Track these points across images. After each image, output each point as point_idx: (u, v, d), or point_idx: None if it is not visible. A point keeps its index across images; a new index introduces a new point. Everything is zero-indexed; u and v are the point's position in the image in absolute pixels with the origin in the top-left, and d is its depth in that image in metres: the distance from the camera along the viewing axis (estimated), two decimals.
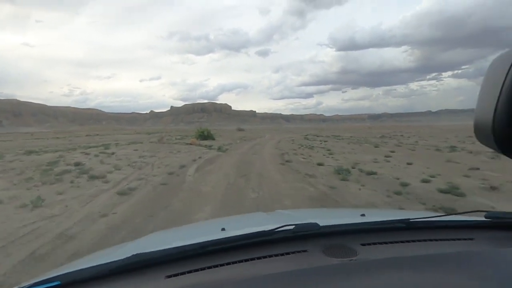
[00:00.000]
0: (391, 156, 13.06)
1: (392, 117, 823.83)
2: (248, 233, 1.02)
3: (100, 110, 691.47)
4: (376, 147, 18.92)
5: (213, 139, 26.83)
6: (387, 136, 32.02)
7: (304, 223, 1.04)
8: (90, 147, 20.39)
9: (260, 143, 24.37)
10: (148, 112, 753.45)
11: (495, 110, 0.50)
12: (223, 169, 10.41)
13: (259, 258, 0.93)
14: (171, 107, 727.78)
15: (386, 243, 1.02)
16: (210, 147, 19.75)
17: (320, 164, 11.02)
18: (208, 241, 0.99)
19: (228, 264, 0.90)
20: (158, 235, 1.87)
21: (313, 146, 20.06)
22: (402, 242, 1.04)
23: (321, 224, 1.04)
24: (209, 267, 0.88)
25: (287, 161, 12.21)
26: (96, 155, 14.43)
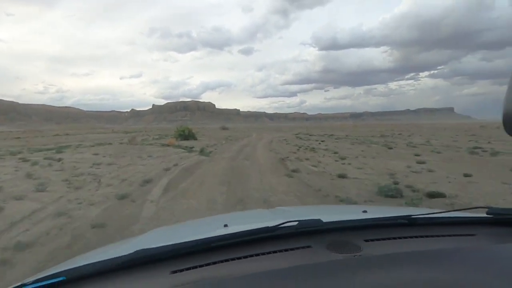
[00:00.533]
0: (425, 162, 10.10)
1: (373, 115, 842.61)
2: (252, 229, 1.02)
3: (78, 109, 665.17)
4: (390, 148, 16.05)
5: (195, 139, 23.55)
6: (387, 135, 29.38)
7: (308, 219, 1.03)
8: (41, 150, 16.44)
9: (249, 143, 21.39)
10: (129, 110, 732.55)
11: None
12: (205, 186, 7.07)
13: (263, 254, 0.93)
14: (153, 105, 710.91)
15: (389, 239, 1.02)
16: (191, 149, 16.22)
17: (342, 177, 7.87)
18: (212, 237, 0.99)
19: (232, 260, 0.90)
20: (161, 231, 1.83)
21: (314, 148, 16.96)
22: (405, 238, 1.04)
23: (324, 220, 1.03)
24: (214, 263, 0.88)
25: (293, 170, 8.98)
26: (34, 163, 10.66)
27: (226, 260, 0.90)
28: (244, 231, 1.02)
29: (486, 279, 0.73)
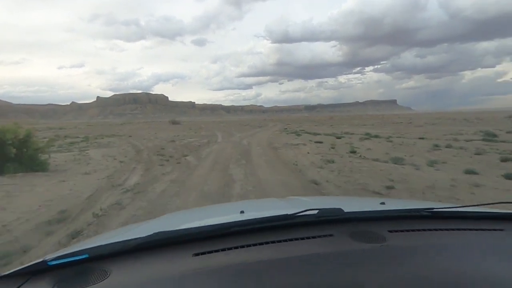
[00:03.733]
0: None
1: (326, 107, 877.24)
2: (272, 216, 1.01)
3: (6, 101, 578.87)
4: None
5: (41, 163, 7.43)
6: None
7: (328, 208, 1.03)
8: None
9: (228, 165, 8.67)
10: (69, 103, 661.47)
11: None
12: None
13: (285, 240, 0.91)
14: (97, 97, 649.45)
15: (413, 230, 1.01)
16: None
17: None
18: (233, 222, 0.99)
19: (254, 245, 0.89)
20: (177, 215, 1.90)
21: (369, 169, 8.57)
22: (429, 230, 1.01)
23: (345, 210, 1.03)
24: (236, 247, 0.87)
25: None
26: None
27: (248, 246, 0.88)
28: (264, 217, 1.00)
29: None
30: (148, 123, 75.75)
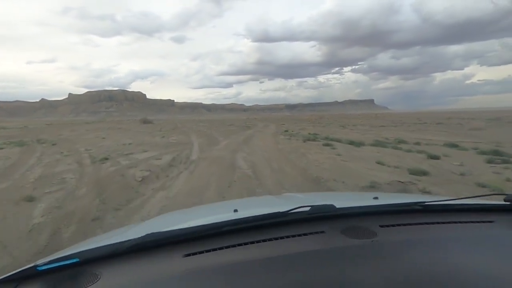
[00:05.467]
0: None
1: (306, 107, 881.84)
2: (264, 214, 0.99)
3: None
4: None
5: None
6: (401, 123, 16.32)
7: (320, 205, 1.02)
8: None
9: None
10: (38, 100, 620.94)
11: None
12: None
13: (275, 238, 0.91)
14: (69, 94, 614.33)
15: (404, 225, 1.01)
16: None
17: None
18: (224, 221, 0.97)
19: (245, 244, 0.88)
20: (171, 215, 1.86)
21: None
22: (420, 224, 1.02)
23: (337, 206, 1.02)
24: (227, 247, 0.87)
25: None
26: None
27: (239, 245, 0.88)
28: (256, 216, 0.99)
29: (506, 266, 0.72)
30: (118, 121, 66.69)
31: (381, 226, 0.97)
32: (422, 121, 33.79)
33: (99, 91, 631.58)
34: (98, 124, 47.59)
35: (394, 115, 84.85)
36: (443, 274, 0.70)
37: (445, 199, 1.18)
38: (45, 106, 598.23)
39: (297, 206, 0.99)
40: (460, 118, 41.39)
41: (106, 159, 8.80)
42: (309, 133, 19.10)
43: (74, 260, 0.81)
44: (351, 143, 11.94)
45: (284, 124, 35.99)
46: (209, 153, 10.27)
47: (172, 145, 12.81)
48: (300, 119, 68.96)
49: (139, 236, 0.88)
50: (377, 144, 11.23)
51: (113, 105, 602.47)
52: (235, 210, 1.18)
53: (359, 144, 11.28)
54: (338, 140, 13.13)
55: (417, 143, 11.15)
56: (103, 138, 18.23)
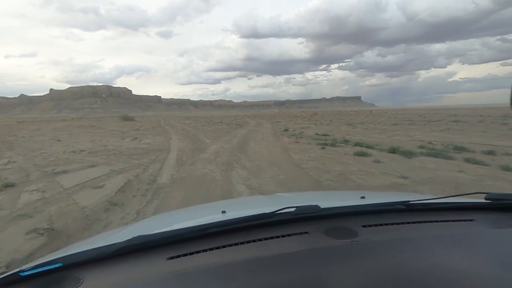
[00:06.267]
0: None
1: (295, 103, 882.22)
2: (249, 216, 1.00)
3: None
4: None
5: None
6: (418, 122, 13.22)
7: (305, 206, 1.03)
8: None
9: None
10: (17, 96, 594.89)
11: None
12: None
13: (260, 240, 0.91)
14: (50, 90, 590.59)
15: (386, 224, 1.01)
16: None
17: None
18: (209, 223, 0.98)
19: (230, 246, 0.89)
20: (159, 218, 1.86)
21: None
22: (402, 223, 1.02)
23: (321, 207, 1.03)
24: (211, 249, 0.87)
25: None
26: None
27: (224, 247, 0.88)
28: (241, 217, 0.99)
29: (485, 264, 0.72)
30: (98, 118, 61.66)
31: (364, 226, 0.97)
32: (427, 119, 30.97)
33: (82, 86, 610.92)
34: (75, 121, 42.75)
35: (384, 112, 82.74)
36: (423, 272, 0.70)
37: (429, 198, 1.18)
38: (25, 102, 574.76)
39: (283, 207, 1.00)
40: (465, 115, 38.96)
41: (9, 186, 5.12)
42: (317, 134, 15.64)
43: (58, 265, 0.81)
44: (393, 150, 8.55)
45: (279, 122, 32.41)
46: (190, 170, 6.66)
47: (140, 154, 9.13)
48: (292, 115, 65.67)
49: (124, 240, 0.87)
50: (433, 153, 7.83)
51: (97, 101, 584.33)
52: (223, 211, 1.17)
53: (408, 153, 7.90)
54: (368, 146, 9.73)
55: (490, 152, 7.83)
56: (59, 140, 14.30)
